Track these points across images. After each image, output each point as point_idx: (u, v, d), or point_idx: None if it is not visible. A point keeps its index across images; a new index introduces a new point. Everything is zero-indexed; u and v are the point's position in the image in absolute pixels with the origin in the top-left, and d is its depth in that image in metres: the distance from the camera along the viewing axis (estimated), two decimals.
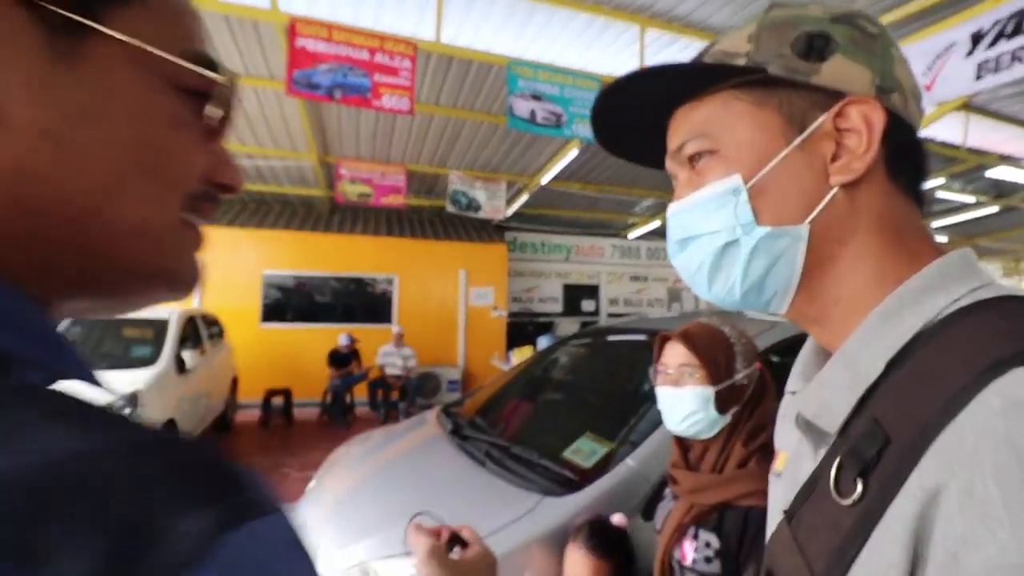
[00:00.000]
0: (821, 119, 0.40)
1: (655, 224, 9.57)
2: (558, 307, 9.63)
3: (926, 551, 0.29)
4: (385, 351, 6.76)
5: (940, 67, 3.55)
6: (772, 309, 0.45)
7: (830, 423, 0.38)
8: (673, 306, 10.63)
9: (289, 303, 7.57)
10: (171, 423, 4.00)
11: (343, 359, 6.57)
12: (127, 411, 3.48)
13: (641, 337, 2.39)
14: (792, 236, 0.40)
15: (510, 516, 1.42)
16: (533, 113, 4.27)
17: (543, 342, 6.12)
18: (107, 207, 0.23)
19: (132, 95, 0.24)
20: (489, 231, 8.84)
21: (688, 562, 0.96)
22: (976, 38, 3.30)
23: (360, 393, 6.74)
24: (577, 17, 4.08)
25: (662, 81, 0.44)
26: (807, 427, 0.42)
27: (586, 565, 1.19)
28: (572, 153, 6.04)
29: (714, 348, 1.05)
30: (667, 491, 1.15)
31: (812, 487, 0.40)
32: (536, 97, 4.26)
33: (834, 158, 0.40)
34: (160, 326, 4.51)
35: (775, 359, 1.74)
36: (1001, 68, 3.16)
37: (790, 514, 0.41)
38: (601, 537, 1.23)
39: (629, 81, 0.44)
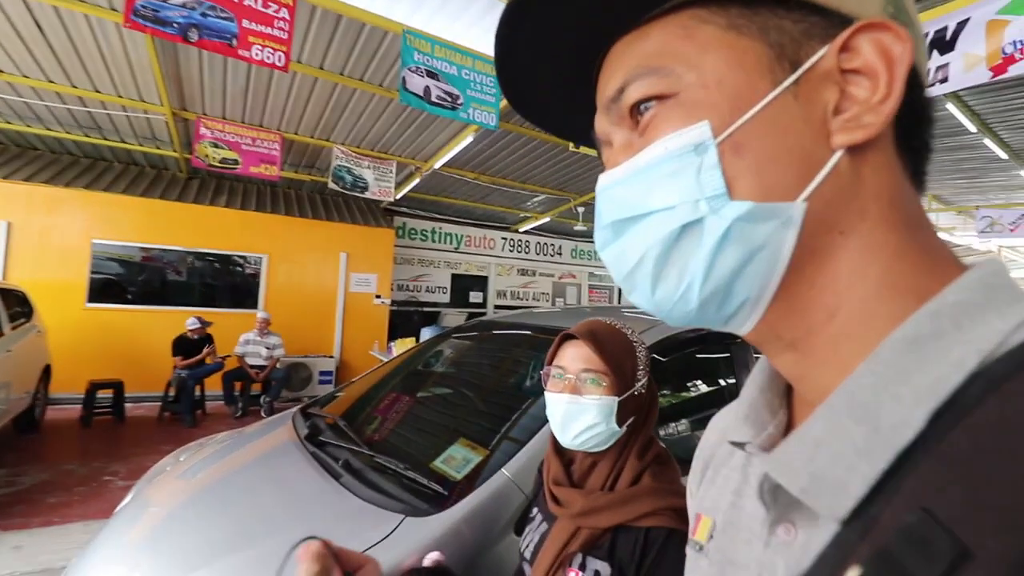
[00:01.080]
0: (822, 52, 0.28)
1: (546, 219, 9.73)
2: (446, 297, 9.41)
3: None
4: (246, 339, 6.03)
5: None
6: (734, 327, 0.31)
7: (834, 505, 0.25)
8: (557, 301, 10.94)
9: (131, 281, 6.44)
10: None
11: (192, 346, 5.74)
12: None
13: (527, 332, 2.28)
14: (781, 218, 0.28)
15: (363, 543, 1.20)
16: (428, 90, 4.00)
17: (427, 334, 5.88)
18: None
19: None
20: (376, 214, 8.33)
21: None
22: None
23: (214, 386, 5.95)
24: None
25: None
26: (779, 502, 0.29)
27: None
28: (468, 139, 5.84)
29: (621, 353, 0.92)
30: (535, 512, 1.01)
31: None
32: (432, 74, 4.00)
33: (837, 110, 0.28)
34: None
35: (659, 358, 1.71)
36: None
37: None
38: None
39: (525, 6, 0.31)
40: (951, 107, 4.79)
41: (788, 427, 0.34)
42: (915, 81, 0.29)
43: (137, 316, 6.34)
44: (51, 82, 4.93)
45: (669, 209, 0.29)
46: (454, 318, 9.07)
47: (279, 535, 1.30)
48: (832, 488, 0.25)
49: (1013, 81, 3.98)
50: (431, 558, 1.09)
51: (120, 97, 5.24)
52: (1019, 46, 2.57)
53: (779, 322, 0.30)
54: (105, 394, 5.43)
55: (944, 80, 3.00)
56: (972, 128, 5.08)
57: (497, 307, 10.02)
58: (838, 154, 0.28)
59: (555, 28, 0.33)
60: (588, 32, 0.32)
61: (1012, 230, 6.92)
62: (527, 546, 0.97)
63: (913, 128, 0.30)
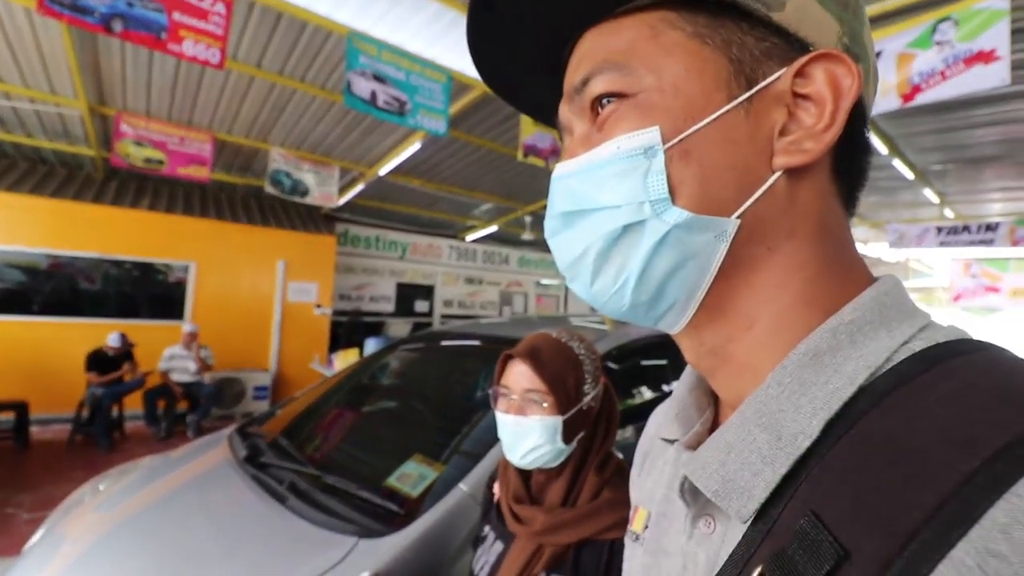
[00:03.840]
0: (779, 73, 0.29)
1: (493, 228, 9.74)
2: (390, 307, 9.18)
3: None
4: (171, 353, 5.60)
5: None
6: (664, 326, 0.32)
7: (740, 508, 0.27)
8: (504, 309, 10.96)
9: (36, 290, 5.83)
10: None
11: (109, 362, 5.27)
12: None
13: (476, 343, 2.26)
14: (716, 231, 0.29)
15: (316, 568, 1.13)
16: (374, 95, 3.91)
17: (372, 344, 5.70)
18: None
19: None
20: (316, 220, 8.02)
21: None
22: None
23: (133, 405, 5.49)
24: (427, 6, 3.85)
25: None
26: (698, 500, 0.31)
27: None
28: (415, 146, 5.76)
29: (563, 371, 0.92)
30: (487, 530, 0.99)
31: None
32: (379, 79, 3.92)
33: (783, 132, 0.29)
34: None
35: (612, 366, 1.73)
36: None
37: None
38: None
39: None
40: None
41: (714, 425, 0.37)
42: (859, 112, 0.31)
43: (44, 329, 5.75)
44: None
45: (615, 208, 0.30)
46: (400, 328, 8.86)
47: (219, 568, 1.19)
48: (740, 492, 0.27)
49: (919, 108, 4.41)
50: None
51: (28, 89, 4.77)
52: (924, 77, 2.85)
53: (703, 327, 0.32)
54: (6, 416, 4.87)
55: None
56: (884, 150, 5.57)
57: (444, 316, 9.89)
58: (777, 175, 0.29)
59: (529, 11, 0.33)
60: (561, 16, 0.33)
61: (918, 243, 7.63)
62: (481, 568, 0.94)
63: (852, 156, 0.32)
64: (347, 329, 7.93)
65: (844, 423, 0.25)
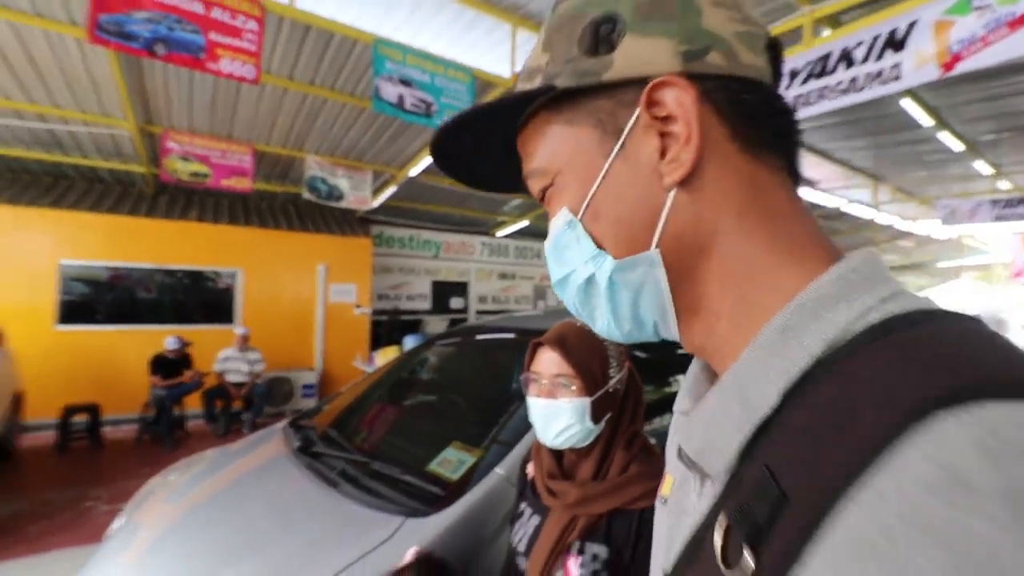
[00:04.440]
0: (635, 114, 0.33)
1: (524, 223, 9.80)
2: (427, 304, 9.38)
3: None
4: (226, 355, 5.92)
5: None
6: (664, 337, 0.38)
7: (714, 466, 0.31)
8: (539, 303, 11.01)
9: (100, 300, 6.27)
10: None
11: (171, 365, 5.61)
12: None
13: (510, 335, 2.32)
14: (645, 263, 0.34)
15: (368, 544, 1.22)
16: (401, 99, 4.02)
17: (410, 342, 5.86)
18: None
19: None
20: (352, 224, 8.27)
21: None
22: (793, 74, 3.82)
23: (194, 405, 5.83)
24: (447, 6, 3.92)
25: (485, 121, 0.39)
26: (690, 463, 0.36)
27: None
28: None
29: (589, 356, 0.98)
30: (524, 506, 1.06)
31: (697, 548, 0.32)
32: (405, 83, 4.02)
33: (663, 154, 0.33)
34: None
35: (641, 355, 1.77)
36: (810, 103, 3.70)
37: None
38: (427, 568, 1.10)
39: (447, 135, 0.40)
40: (907, 103, 5.01)
41: None
42: (744, 83, 0.33)
43: (109, 337, 6.17)
44: (7, 99, 4.79)
45: (574, 271, 0.37)
46: (437, 325, 9.05)
47: (278, 546, 1.31)
48: (716, 453, 0.31)
49: (963, 77, 4.20)
50: (410, 554, 1.13)
51: (83, 113, 5.11)
52: (965, 44, 2.73)
53: (688, 329, 0.36)
54: (81, 418, 5.27)
55: (897, 78, 3.16)
56: (927, 123, 5.32)
57: (479, 312, 10.03)
58: (672, 193, 0.33)
59: (474, 137, 0.41)
60: (492, 144, 0.41)
61: (970, 219, 7.24)
62: (520, 540, 1.01)
63: (761, 129, 0.34)
64: (387, 328, 8.16)
65: (800, 392, 0.28)
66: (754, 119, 0.33)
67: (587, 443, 0.96)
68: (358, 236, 7.99)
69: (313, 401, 6.83)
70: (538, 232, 10.83)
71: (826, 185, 8.07)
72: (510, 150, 0.41)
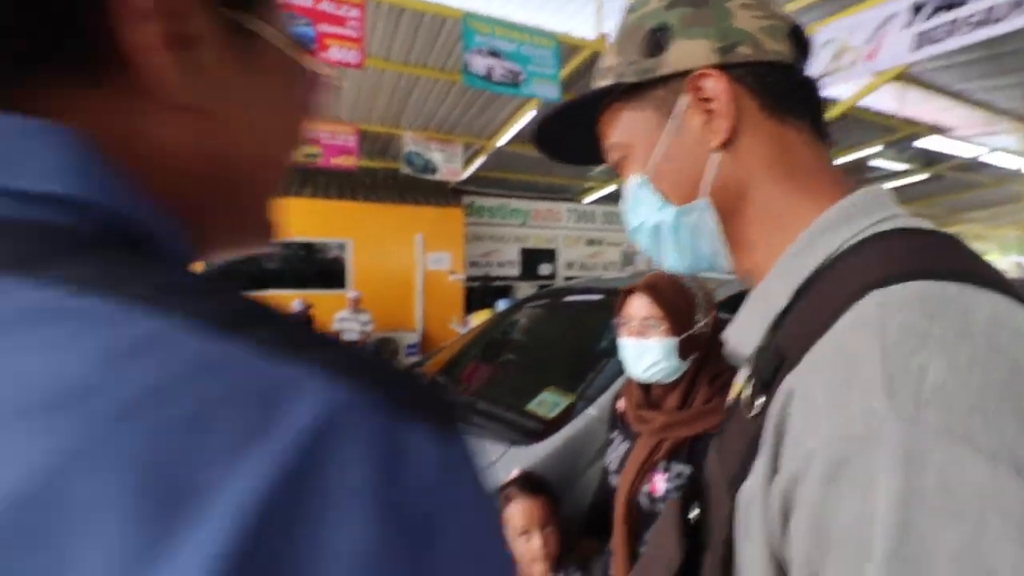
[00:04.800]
0: (682, 101, 0.44)
1: (611, 188, 9.66)
2: (516, 271, 9.67)
3: (782, 447, 0.33)
4: (341, 316, 6.62)
5: (882, 37, 3.69)
6: (720, 268, 0.49)
7: (746, 351, 0.42)
8: (627, 269, 10.89)
9: (238, 271, 7.22)
10: None
11: None
12: None
13: (597, 296, 2.44)
14: (698, 209, 0.45)
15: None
16: (490, 70, 4.16)
17: (502, 305, 6.16)
18: (257, 166, 0.29)
19: (279, 84, 0.29)
20: (445, 195, 8.68)
21: (660, 493, 1.02)
22: (916, 8, 3.44)
23: None
24: None
25: (574, 111, 0.52)
26: (734, 356, 0.46)
27: (526, 504, 1.23)
28: (530, 114, 5.95)
29: (676, 300, 1.09)
30: (615, 434, 1.21)
31: (734, 406, 0.44)
32: (494, 54, 4.15)
33: (707, 125, 0.44)
34: None
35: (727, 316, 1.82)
36: (937, 40, 3.32)
37: (720, 431, 0.47)
38: (528, 482, 1.29)
39: (546, 123, 0.53)
40: None
41: None
42: (773, 67, 0.43)
43: None
44: None
45: (646, 219, 0.48)
46: (525, 290, 9.32)
47: None
48: (746, 340, 0.42)
49: None
50: (514, 472, 1.33)
51: None
52: None
53: (737, 259, 0.48)
54: None
55: None
56: None
57: (567, 278, 10.15)
58: (715, 155, 0.43)
59: (565, 123, 0.54)
60: (582, 121, 0.53)
61: None
62: (612, 460, 1.17)
63: (788, 99, 0.44)
64: (479, 293, 8.58)
65: (805, 291, 0.38)
66: (778, 93, 0.43)
67: (673, 378, 1.09)
68: (451, 207, 8.38)
69: (416, 359, 7.44)
70: None
71: (963, 132, 7.10)
72: (591, 131, 0.54)
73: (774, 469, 0.33)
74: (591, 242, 10.55)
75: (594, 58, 4.91)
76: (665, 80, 0.44)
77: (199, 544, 0.12)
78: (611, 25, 2.93)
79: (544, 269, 10.03)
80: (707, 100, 0.43)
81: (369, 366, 0.18)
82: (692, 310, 1.10)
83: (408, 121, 6.53)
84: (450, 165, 6.80)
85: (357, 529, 0.14)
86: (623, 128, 0.48)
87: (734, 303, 1.86)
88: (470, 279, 8.82)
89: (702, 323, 1.10)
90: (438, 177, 6.81)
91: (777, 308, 0.40)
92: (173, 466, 0.13)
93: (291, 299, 6.62)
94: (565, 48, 4.63)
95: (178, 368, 0.15)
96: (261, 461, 0.14)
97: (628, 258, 10.95)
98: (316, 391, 0.16)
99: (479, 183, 9.17)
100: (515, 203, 9.63)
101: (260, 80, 0.27)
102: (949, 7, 3.20)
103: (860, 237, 0.38)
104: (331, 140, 6.20)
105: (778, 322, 0.40)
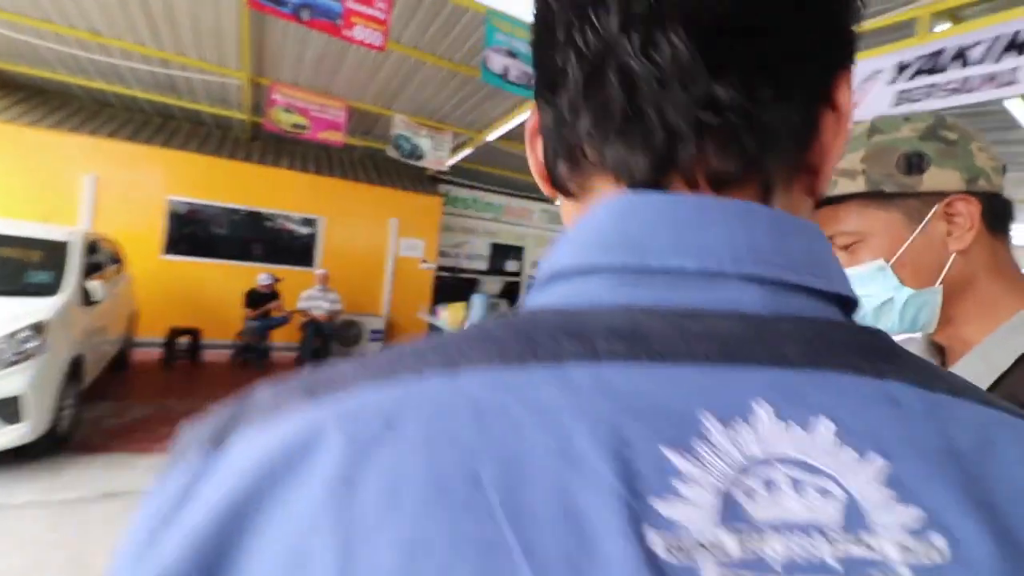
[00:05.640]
0: (931, 214, 0.59)
1: None
2: (484, 265, 9.73)
3: None
4: (309, 294, 6.46)
5: (867, 90, 4.06)
6: (922, 331, 0.64)
7: None
8: None
9: (196, 235, 6.85)
10: (78, 360, 3.58)
11: (262, 299, 6.18)
12: (32, 343, 3.06)
13: None
14: (931, 293, 0.60)
15: None
16: (507, 70, 4.21)
17: (477, 300, 6.22)
18: None
19: None
20: (423, 181, 8.59)
21: None
22: (901, 68, 3.81)
23: (279, 338, 6.41)
24: None
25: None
26: None
27: None
28: (525, 114, 6.03)
29: None
30: None
31: None
32: (512, 54, 4.20)
33: (949, 233, 0.59)
34: (56, 248, 3.93)
35: None
36: (915, 100, 3.71)
37: None
38: None
39: None
40: (1012, 103, 4.85)
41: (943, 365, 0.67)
42: (990, 202, 0.58)
43: (206, 269, 6.78)
44: (141, 45, 5.21)
45: (874, 295, 0.61)
46: (492, 285, 9.41)
47: None
48: None
49: None
50: None
51: (201, 61, 5.50)
52: None
53: (943, 328, 0.62)
54: (185, 339, 5.91)
55: (1012, 83, 3.16)
56: None
57: (531, 277, 10.32)
58: (953, 255, 0.59)
59: None
60: None
61: None
62: None
63: (999, 221, 0.60)
64: (448, 284, 8.58)
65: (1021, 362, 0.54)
66: (997, 215, 0.60)
67: None
68: (429, 194, 8.32)
69: (379, 345, 7.35)
70: None
71: None
72: None
73: None
74: None
75: None
76: (919, 195, 0.58)
77: None
78: None
79: (511, 265, 10.15)
80: (953, 215, 0.58)
81: None
82: None
83: (402, 105, 6.42)
84: (437, 153, 6.76)
85: None
86: (863, 220, 0.61)
87: None
88: (440, 269, 8.80)
89: None
90: (423, 164, 6.75)
91: (1000, 368, 0.54)
92: None
93: (255, 272, 6.38)
94: None
95: None
96: None
97: None
98: None
99: (455, 172, 9.14)
100: (490, 197, 9.68)
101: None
102: (931, 71, 3.59)
103: None
104: (320, 113, 6.00)
105: (998, 382, 0.54)
